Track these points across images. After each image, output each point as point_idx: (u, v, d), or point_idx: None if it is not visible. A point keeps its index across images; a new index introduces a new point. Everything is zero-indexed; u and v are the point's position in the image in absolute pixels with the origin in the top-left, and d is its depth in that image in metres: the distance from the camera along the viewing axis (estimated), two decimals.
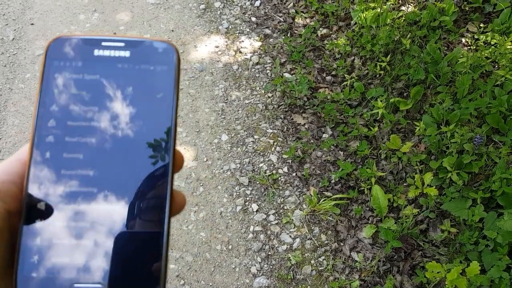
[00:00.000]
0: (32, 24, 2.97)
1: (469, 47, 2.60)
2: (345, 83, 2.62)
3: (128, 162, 0.36)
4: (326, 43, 2.84)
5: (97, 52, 0.37)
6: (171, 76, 0.37)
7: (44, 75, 0.37)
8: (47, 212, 0.35)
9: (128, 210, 0.35)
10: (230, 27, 3.00)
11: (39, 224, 0.35)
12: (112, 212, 0.35)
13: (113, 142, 0.36)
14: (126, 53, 0.37)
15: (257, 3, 3.14)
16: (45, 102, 0.37)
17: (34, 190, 0.35)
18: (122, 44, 0.38)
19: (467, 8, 2.78)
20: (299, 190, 2.28)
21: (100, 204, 0.35)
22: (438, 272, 1.77)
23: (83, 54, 0.37)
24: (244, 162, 2.36)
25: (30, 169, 0.36)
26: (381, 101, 2.39)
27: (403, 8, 2.85)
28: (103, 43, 0.37)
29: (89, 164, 0.36)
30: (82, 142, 0.36)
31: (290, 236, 2.14)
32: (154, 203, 0.36)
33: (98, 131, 0.36)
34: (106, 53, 0.37)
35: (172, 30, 2.96)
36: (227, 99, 2.63)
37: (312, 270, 2.04)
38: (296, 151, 2.39)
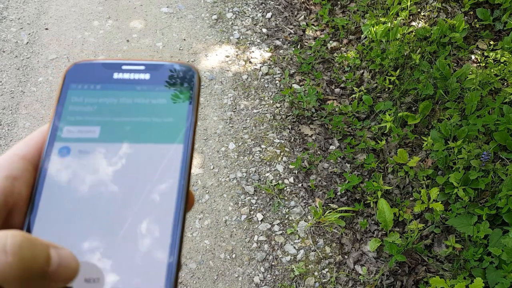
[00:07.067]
0: (46, 28, 3.02)
1: (478, 64, 2.60)
2: (353, 95, 2.63)
3: (138, 189, 0.34)
4: (336, 56, 2.86)
5: (116, 76, 0.37)
6: (192, 99, 0.36)
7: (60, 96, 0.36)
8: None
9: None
10: (241, 37, 3.03)
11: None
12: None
13: (126, 168, 0.34)
14: (146, 76, 0.37)
15: (269, 15, 3.17)
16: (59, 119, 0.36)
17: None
18: (142, 68, 0.37)
19: (477, 25, 2.79)
20: (304, 201, 2.28)
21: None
22: None
23: (102, 78, 0.37)
24: (251, 171, 2.38)
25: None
26: (389, 114, 2.40)
27: (413, 23, 2.87)
28: (123, 67, 0.37)
29: (101, 190, 0.34)
30: (94, 164, 0.34)
31: (294, 247, 2.14)
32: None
33: (113, 151, 0.35)
34: (126, 76, 0.37)
35: (184, 39, 3.00)
36: (235, 108, 2.65)
37: (315, 282, 2.04)
38: (303, 162, 2.40)
